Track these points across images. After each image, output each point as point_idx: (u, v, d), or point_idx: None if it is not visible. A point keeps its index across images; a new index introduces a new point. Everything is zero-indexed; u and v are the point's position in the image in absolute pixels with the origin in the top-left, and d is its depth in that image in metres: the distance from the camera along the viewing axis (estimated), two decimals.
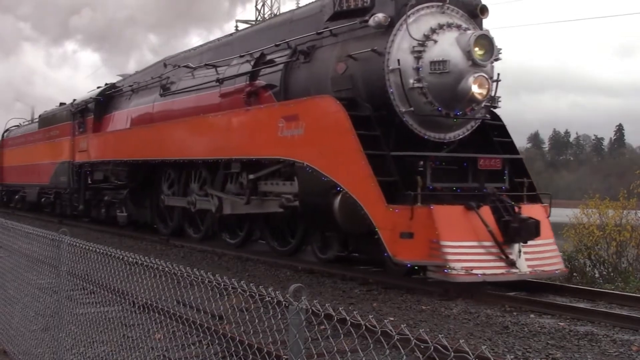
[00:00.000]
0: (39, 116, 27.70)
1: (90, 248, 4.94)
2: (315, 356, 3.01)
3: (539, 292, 9.03)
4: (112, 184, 18.81)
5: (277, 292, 2.79)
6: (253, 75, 12.77)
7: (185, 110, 15.16)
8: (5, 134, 34.04)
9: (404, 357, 2.35)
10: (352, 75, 10.30)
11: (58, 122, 24.43)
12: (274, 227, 13.01)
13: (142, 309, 4.83)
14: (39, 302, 6.20)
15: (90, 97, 21.25)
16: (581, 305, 8.26)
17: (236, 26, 35.78)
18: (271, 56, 12.48)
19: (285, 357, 2.71)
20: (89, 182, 20.55)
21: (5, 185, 32.91)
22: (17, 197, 30.19)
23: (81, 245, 5.07)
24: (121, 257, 4.46)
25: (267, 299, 2.84)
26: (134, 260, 4.19)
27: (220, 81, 13.80)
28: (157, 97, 16.82)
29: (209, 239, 15.41)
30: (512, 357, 5.99)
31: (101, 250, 4.79)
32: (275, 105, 11.58)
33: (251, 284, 3.08)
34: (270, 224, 13.07)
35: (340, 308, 2.51)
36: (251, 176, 12.15)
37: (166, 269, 3.76)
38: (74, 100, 22.92)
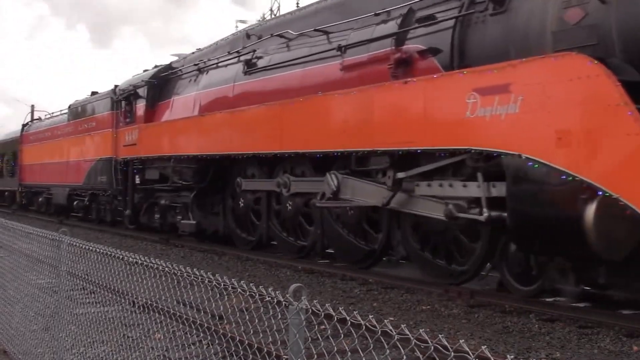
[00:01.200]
0: (69, 107, 24.00)
1: (90, 248, 4.94)
2: (315, 356, 3.01)
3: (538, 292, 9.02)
4: (170, 185, 15.37)
5: (277, 292, 2.78)
6: (400, 38, 9.77)
7: (283, 91, 11.84)
8: (25, 128, 30.75)
9: (404, 357, 2.35)
10: (596, 25, 7.35)
11: (94, 112, 21.20)
12: (425, 238, 9.67)
13: (142, 309, 4.83)
14: (39, 302, 6.20)
15: (142, 81, 17.67)
16: (581, 305, 8.25)
17: (236, 26, 35.84)
18: (426, 12, 9.60)
19: (285, 357, 2.71)
20: (137, 182, 17.24)
21: (26, 185, 29.35)
22: (40, 199, 27.04)
23: (81, 245, 5.07)
24: (121, 257, 4.46)
25: (267, 299, 2.84)
26: (134, 260, 4.19)
27: (342, 49, 10.74)
28: (239, 76, 13.53)
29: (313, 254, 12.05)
30: (512, 357, 5.98)
31: (101, 250, 4.79)
32: (461, 73, 8.15)
33: (251, 284, 3.07)
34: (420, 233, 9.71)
35: (340, 308, 2.51)
36: (401, 174, 9.13)
37: (166, 269, 3.76)
38: (116, 86, 19.76)
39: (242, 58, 13.67)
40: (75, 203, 22.60)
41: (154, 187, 16.39)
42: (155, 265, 3.92)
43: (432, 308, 8.29)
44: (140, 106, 17.49)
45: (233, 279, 3.15)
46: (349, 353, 2.62)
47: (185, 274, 3.52)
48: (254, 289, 3.00)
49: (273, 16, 35.43)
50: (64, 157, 23.62)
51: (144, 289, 4.51)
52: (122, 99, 18.53)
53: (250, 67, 13.21)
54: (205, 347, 5.83)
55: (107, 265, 4.84)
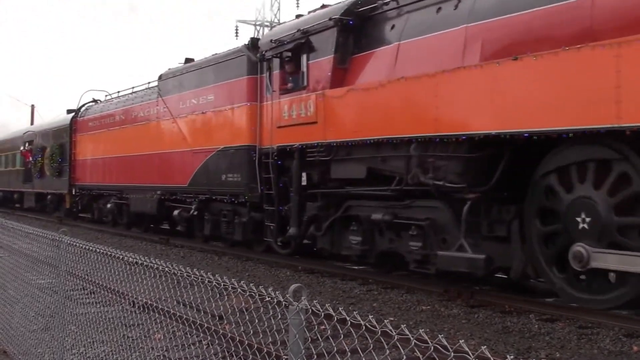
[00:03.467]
0: (159, 78, 16.99)
1: (90, 248, 4.93)
2: (315, 356, 3.01)
3: (539, 292, 9.02)
4: (397, 188, 9.51)
5: (277, 292, 2.78)
6: None
7: None
8: (80, 112, 23.72)
9: (404, 357, 2.35)
10: None
11: (213, 81, 14.41)
12: None
13: (142, 309, 4.83)
14: (39, 302, 6.20)
15: (327, 20, 10.98)
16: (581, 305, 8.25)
17: (236, 26, 35.83)
18: None
19: (285, 357, 2.71)
20: (304, 183, 11.42)
21: (82, 187, 22.38)
22: (105, 205, 20.45)
23: (81, 245, 5.07)
24: (121, 257, 4.46)
25: (267, 299, 2.84)
26: (134, 260, 4.19)
27: None
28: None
29: None
30: (512, 357, 5.98)
31: (101, 251, 4.79)
32: None
33: (251, 284, 3.07)
34: None
35: (340, 308, 2.51)
36: None
37: (166, 269, 3.76)
38: (253, 40, 13.51)
39: None
40: (176, 213, 15.77)
41: (348, 191, 10.51)
42: (155, 265, 3.92)
43: (432, 308, 8.29)
44: (319, 63, 11.16)
45: (233, 279, 3.15)
46: (349, 353, 2.62)
47: (185, 274, 3.52)
48: (254, 289, 3.00)
49: (272, 12, 35.46)
50: (150, 147, 16.94)
51: (144, 289, 4.51)
52: (275, 55, 12.17)
53: None
54: (205, 347, 5.82)
55: (107, 265, 4.84)
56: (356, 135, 10.03)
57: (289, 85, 11.84)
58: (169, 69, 17.03)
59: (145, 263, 4.05)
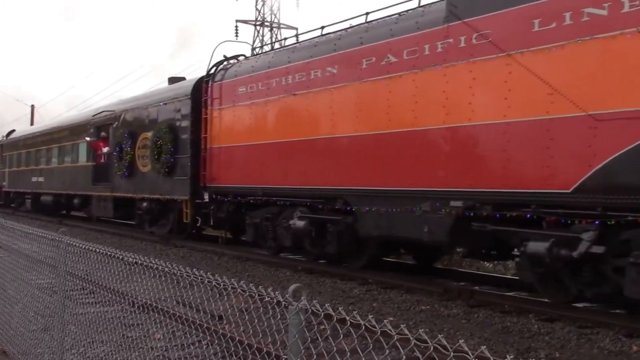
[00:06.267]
0: None
1: (90, 248, 4.93)
2: (315, 356, 3.01)
3: (539, 292, 9.01)
4: None
5: (276, 292, 2.78)
6: None
7: None
8: (220, 71, 14.60)
9: (404, 357, 2.35)
10: None
11: None
12: None
13: (142, 309, 4.83)
14: (38, 302, 6.20)
15: None
16: (581, 305, 8.25)
17: (236, 26, 35.81)
18: None
19: (285, 357, 2.71)
20: None
21: (222, 190, 14.07)
22: (296, 224, 11.47)
23: (81, 245, 5.07)
24: (121, 257, 4.46)
25: (267, 299, 2.83)
26: (134, 260, 4.18)
27: None
28: None
29: None
30: (512, 357, 5.98)
31: (101, 251, 4.78)
32: None
33: (251, 284, 3.07)
34: None
35: (340, 308, 2.50)
36: None
37: (166, 269, 3.76)
38: None
39: None
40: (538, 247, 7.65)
41: None
42: (155, 265, 3.92)
43: (432, 308, 8.29)
44: None
45: (233, 279, 3.15)
46: (349, 353, 2.62)
47: (185, 274, 3.52)
48: (254, 289, 2.99)
49: (272, 13, 35.38)
50: (429, 117, 9.20)
51: (143, 289, 4.51)
52: None
53: None
54: (205, 347, 5.83)
55: (107, 265, 4.84)
56: None
57: None
58: None
59: (145, 263, 4.05)
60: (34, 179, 26.92)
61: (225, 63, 14.90)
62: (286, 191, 12.00)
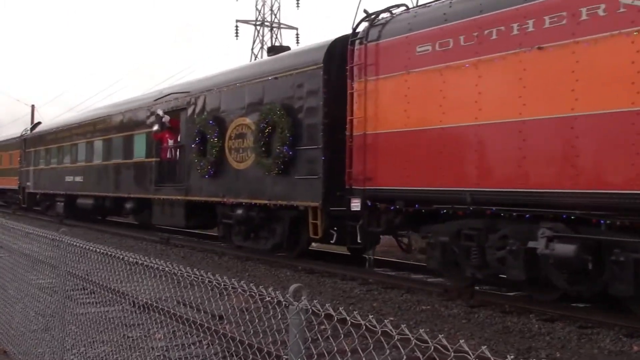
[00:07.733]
0: None
1: (91, 248, 4.93)
2: (315, 356, 3.01)
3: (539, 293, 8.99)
4: None
5: (277, 292, 2.78)
6: None
7: None
8: (377, 26, 10.22)
9: (404, 357, 2.35)
10: None
11: None
12: None
13: (142, 309, 4.83)
14: (39, 302, 6.20)
15: None
16: (581, 305, 8.26)
17: (236, 26, 35.83)
18: None
19: (285, 357, 2.71)
20: None
21: (376, 193, 9.80)
22: (511, 244, 7.74)
23: (81, 245, 5.07)
24: (121, 257, 4.46)
25: (267, 299, 2.83)
26: (134, 260, 4.19)
27: None
28: None
29: None
30: (512, 357, 5.98)
31: (101, 251, 4.79)
32: None
33: (251, 284, 3.07)
34: None
35: (340, 308, 2.50)
36: None
37: (166, 269, 3.76)
38: None
39: None
40: None
41: None
42: (156, 265, 3.92)
43: (432, 308, 8.29)
44: None
45: (233, 279, 3.15)
46: (349, 353, 2.62)
47: (185, 274, 3.52)
48: (254, 289, 2.99)
49: (271, 12, 35.37)
50: None
51: (144, 289, 4.51)
52: None
53: None
54: (205, 347, 5.83)
55: (108, 265, 4.84)
56: None
57: None
58: None
59: (145, 263, 4.05)
60: (68, 179, 22.38)
61: (383, 16, 10.52)
62: (518, 197, 7.80)
